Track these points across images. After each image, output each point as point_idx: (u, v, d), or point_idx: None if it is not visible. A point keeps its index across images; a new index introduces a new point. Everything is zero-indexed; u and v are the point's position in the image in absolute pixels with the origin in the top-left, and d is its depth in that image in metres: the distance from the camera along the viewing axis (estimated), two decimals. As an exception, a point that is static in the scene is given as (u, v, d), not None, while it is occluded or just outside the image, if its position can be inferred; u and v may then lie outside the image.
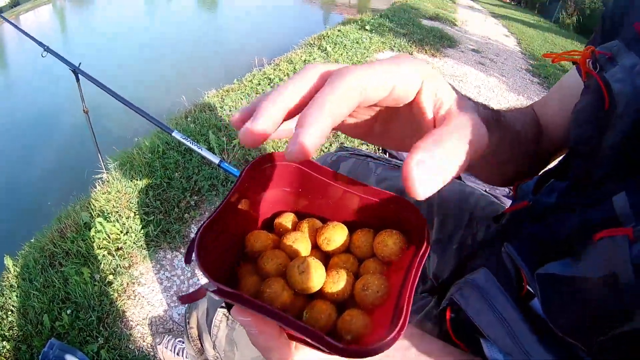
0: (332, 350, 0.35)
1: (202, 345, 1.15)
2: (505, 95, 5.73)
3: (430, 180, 0.32)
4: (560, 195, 0.70)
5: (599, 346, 0.49)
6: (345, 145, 3.24)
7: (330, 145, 3.40)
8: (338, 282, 0.46)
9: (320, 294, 0.47)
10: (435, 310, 0.85)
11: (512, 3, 24.17)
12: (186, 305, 1.21)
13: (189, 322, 1.18)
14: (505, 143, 0.68)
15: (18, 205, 4.00)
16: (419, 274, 0.41)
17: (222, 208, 0.44)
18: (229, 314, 0.52)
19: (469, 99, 0.53)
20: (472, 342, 0.70)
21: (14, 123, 5.30)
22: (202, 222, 0.41)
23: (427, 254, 0.43)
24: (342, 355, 0.35)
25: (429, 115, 0.39)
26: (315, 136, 0.32)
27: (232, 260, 0.50)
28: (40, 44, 2.63)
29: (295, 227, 0.54)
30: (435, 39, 7.43)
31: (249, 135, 0.35)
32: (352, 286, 0.47)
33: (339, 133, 3.41)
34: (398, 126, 0.48)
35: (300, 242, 0.50)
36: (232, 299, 0.36)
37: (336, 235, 0.50)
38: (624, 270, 0.43)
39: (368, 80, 0.34)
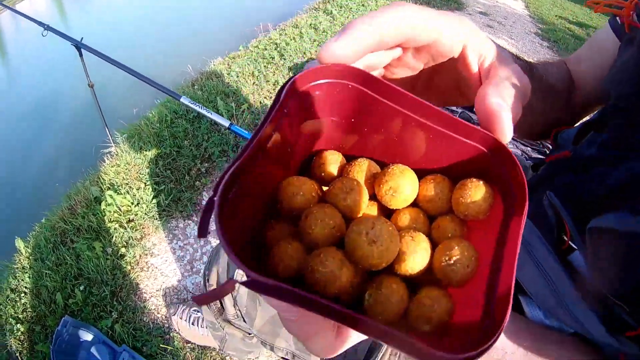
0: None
1: (221, 304, 1.12)
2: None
3: (511, 123, 0.33)
4: (601, 147, 0.64)
5: None
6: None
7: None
8: (415, 253, 0.34)
9: (389, 269, 0.34)
10: None
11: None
12: (206, 263, 1.17)
13: (208, 280, 1.13)
14: (538, 95, 0.66)
15: (27, 186, 3.99)
16: (518, 248, 0.30)
17: (250, 150, 0.30)
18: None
19: (507, 51, 0.46)
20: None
21: (19, 104, 5.28)
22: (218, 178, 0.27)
23: (522, 226, 0.32)
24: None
25: (474, 69, 0.39)
26: (354, 41, 0.33)
27: (260, 222, 0.37)
28: (40, 23, 2.59)
29: (344, 172, 0.40)
30: (443, 1, 7.32)
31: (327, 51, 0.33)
32: (431, 257, 0.35)
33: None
34: (441, 81, 0.45)
35: (357, 194, 0.36)
36: (276, 294, 0.26)
37: (405, 184, 0.36)
38: None
39: (419, 19, 0.34)
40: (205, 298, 0.28)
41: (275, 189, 0.37)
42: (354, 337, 0.36)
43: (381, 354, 0.78)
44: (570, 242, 0.58)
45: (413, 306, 0.33)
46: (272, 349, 0.94)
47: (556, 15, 9.31)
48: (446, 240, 0.35)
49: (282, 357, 0.94)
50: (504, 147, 0.33)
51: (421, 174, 0.38)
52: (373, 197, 0.39)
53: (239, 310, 1.00)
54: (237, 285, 0.72)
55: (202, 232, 0.28)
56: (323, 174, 0.39)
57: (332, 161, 0.40)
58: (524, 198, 0.32)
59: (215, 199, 0.27)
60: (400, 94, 0.34)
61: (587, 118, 0.75)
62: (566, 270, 0.58)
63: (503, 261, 0.30)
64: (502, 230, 0.33)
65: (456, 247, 0.33)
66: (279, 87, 2.03)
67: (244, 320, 1.01)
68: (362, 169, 0.38)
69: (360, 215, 0.36)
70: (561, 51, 6.43)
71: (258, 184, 0.34)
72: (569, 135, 0.74)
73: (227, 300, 1.05)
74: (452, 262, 0.33)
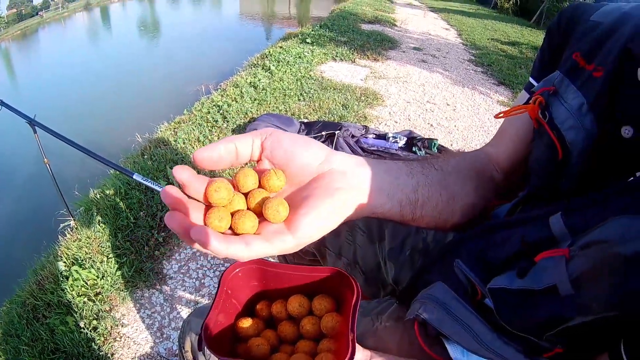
0: None
1: None
2: (450, 89, 5.92)
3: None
4: (511, 209, 0.84)
5: (550, 337, 0.59)
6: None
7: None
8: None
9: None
10: (399, 312, 0.93)
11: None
12: (178, 332, 1.33)
13: (183, 347, 1.26)
14: (432, 185, 0.77)
15: None
16: (355, 320, 0.60)
17: (213, 305, 0.64)
18: None
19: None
20: (440, 345, 0.79)
21: None
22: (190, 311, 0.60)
23: (357, 306, 0.62)
24: None
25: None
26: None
27: (229, 338, 0.70)
28: None
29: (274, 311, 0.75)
30: (376, 42, 7.62)
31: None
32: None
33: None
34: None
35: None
36: None
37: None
38: (562, 283, 0.53)
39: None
40: None
41: (234, 324, 0.71)
42: None
43: None
44: (482, 293, 0.71)
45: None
46: None
47: (488, 39, 9.58)
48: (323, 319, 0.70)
49: None
50: (340, 271, 0.68)
51: (304, 291, 0.73)
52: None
53: None
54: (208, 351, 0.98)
55: (200, 347, 0.59)
56: (264, 314, 0.75)
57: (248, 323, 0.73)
58: (353, 292, 0.64)
59: (201, 334, 0.60)
60: (278, 265, 0.72)
61: (519, 196, 0.85)
62: (483, 316, 0.70)
63: (350, 329, 0.59)
64: (348, 313, 0.63)
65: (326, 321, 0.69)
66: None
67: None
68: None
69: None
70: (495, 73, 6.64)
71: (223, 321, 0.68)
72: (503, 210, 0.87)
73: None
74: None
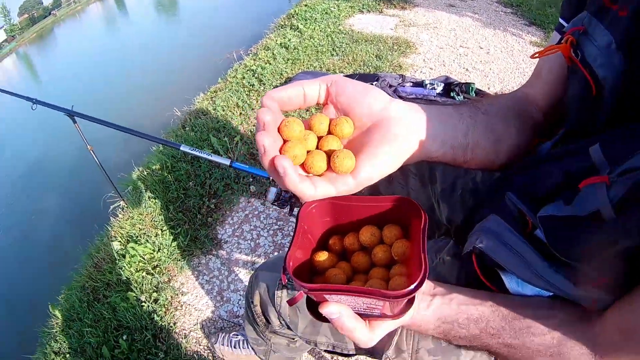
0: (393, 298, 0.54)
1: (266, 319, 1.29)
2: (482, 32, 5.71)
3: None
4: (554, 145, 0.84)
5: (597, 264, 0.59)
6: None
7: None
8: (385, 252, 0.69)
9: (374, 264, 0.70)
10: (455, 249, 0.98)
11: None
12: (246, 288, 1.37)
13: (252, 301, 1.29)
14: (484, 129, 0.80)
15: (45, 252, 4.07)
16: (425, 242, 0.60)
17: (293, 241, 0.64)
18: (311, 313, 0.67)
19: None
20: (495, 276, 0.80)
21: (24, 178, 5.35)
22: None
23: (426, 229, 0.62)
24: (398, 298, 0.54)
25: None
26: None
27: (307, 272, 0.69)
28: (27, 98, 2.60)
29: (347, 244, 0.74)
30: (402, -11, 7.42)
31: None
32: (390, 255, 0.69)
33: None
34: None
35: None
36: (322, 291, 0.57)
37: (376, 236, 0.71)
38: (605, 208, 0.54)
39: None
40: (294, 299, 0.65)
41: (311, 257, 0.71)
42: (382, 330, 0.68)
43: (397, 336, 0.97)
44: (532, 224, 0.73)
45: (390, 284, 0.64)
46: (315, 344, 1.12)
47: None
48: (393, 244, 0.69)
49: (325, 350, 1.11)
50: (407, 198, 0.67)
51: (379, 223, 0.72)
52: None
53: (284, 320, 1.17)
54: (279, 301, 0.97)
55: (285, 280, 0.65)
56: (337, 247, 0.74)
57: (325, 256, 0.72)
58: (420, 218, 0.63)
59: (285, 267, 0.60)
60: (350, 198, 0.68)
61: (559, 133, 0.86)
62: (534, 245, 0.72)
63: (421, 251, 0.58)
64: (418, 237, 0.62)
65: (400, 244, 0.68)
66: None
67: (289, 328, 1.18)
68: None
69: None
70: (525, 13, 6.44)
71: (301, 254, 0.68)
72: (545, 148, 0.88)
73: (272, 315, 1.21)
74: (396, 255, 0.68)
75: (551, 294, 0.72)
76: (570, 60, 0.75)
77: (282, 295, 1.14)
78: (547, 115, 0.95)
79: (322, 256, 0.71)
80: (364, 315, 0.65)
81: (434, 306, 0.75)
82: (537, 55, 0.85)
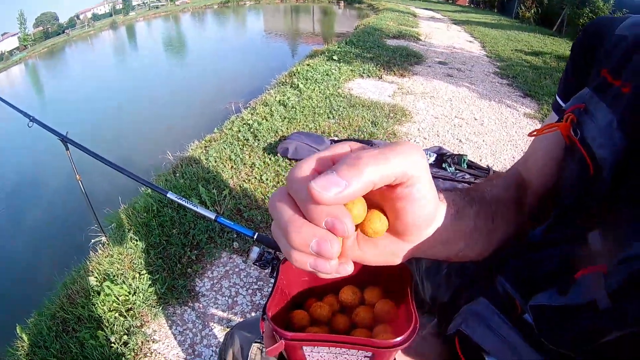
0: (385, 347, 0.53)
1: None
2: (477, 103, 5.89)
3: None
4: (543, 232, 0.80)
5: (586, 353, 0.58)
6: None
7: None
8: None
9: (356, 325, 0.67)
10: (438, 328, 0.95)
11: (471, 6, 24.57)
12: (220, 345, 1.36)
13: (225, 359, 1.27)
14: (482, 215, 0.73)
15: (21, 275, 4.05)
16: (412, 297, 0.60)
17: (273, 294, 0.63)
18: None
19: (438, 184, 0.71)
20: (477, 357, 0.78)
21: (10, 194, 5.35)
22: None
23: (412, 286, 0.62)
24: (390, 347, 0.53)
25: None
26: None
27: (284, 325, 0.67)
28: (25, 114, 2.61)
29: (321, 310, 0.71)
30: (402, 58, 7.64)
31: None
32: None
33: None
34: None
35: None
36: (304, 340, 0.54)
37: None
38: (601, 298, 0.53)
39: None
40: (275, 349, 0.55)
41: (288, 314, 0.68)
42: None
43: None
44: (522, 308, 0.70)
45: (373, 334, 0.63)
46: None
47: (512, 50, 9.57)
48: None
49: None
50: (402, 264, 0.62)
51: (362, 284, 0.71)
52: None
53: None
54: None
55: (272, 352, 0.57)
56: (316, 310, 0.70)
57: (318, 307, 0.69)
58: (408, 276, 0.64)
59: (265, 316, 0.59)
60: None
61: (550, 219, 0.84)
62: (522, 332, 0.69)
63: (408, 309, 0.59)
64: (401, 296, 0.64)
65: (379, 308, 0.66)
66: (255, 170, 2.34)
67: None
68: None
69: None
70: (521, 85, 6.60)
71: (277, 315, 0.64)
72: (536, 233, 0.84)
73: None
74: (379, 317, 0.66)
75: None
76: (568, 139, 0.72)
77: (256, 358, 1.12)
78: (541, 198, 0.90)
79: (300, 314, 0.68)
80: None
81: None
82: (535, 133, 0.82)
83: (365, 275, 0.69)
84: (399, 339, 0.52)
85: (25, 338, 2.47)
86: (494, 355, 0.71)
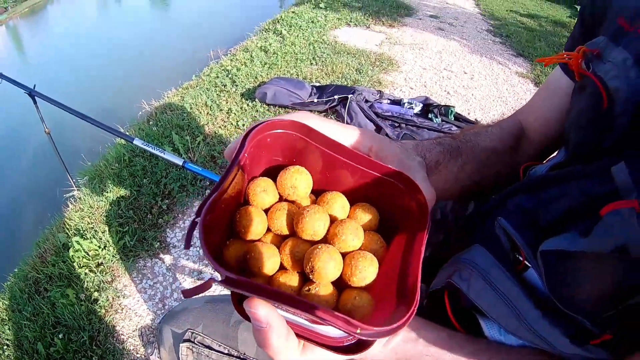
0: (349, 329, 0.37)
1: None
2: (468, 58, 5.75)
3: None
4: (554, 167, 0.73)
5: (606, 317, 0.50)
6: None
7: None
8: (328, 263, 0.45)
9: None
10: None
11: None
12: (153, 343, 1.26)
13: (160, 357, 1.20)
14: (468, 167, 0.76)
15: None
16: (422, 254, 0.43)
17: (222, 187, 0.42)
18: (237, 307, 0.47)
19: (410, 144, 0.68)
20: (468, 319, 0.69)
21: None
22: (201, 202, 0.38)
23: (426, 237, 0.45)
24: (355, 334, 0.37)
25: None
26: None
27: (222, 239, 0.49)
28: None
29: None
30: (392, 9, 7.43)
31: None
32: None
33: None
34: None
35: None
36: (243, 287, 0.37)
37: (328, 266, 0.45)
38: (634, 242, 0.44)
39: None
40: (194, 290, 0.38)
41: (233, 216, 0.48)
42: (317, 357, 0.48)
43: None
44: (525, 261, 0.62)
45: (341, 301, 0.45)
46: None
47: (507, 10, 9.38)
48: (351, 254, 0.47)
49: None
50: (410, 179, 0.47)
51: (349, 198, 0.52)
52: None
53: None
54: (185, 358, 0.85)
55: (188, 245, 0.40)
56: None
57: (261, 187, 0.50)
58: (425, 215, 0.46)
59: (198, 220, 0.38)
60: (332, 143, 0.48)
61: (555, 157, 0.80)
62: (523, 289, 0.60)
63: (410, 265, 0.42)
64: (409, 243, 0.45)
65: (359, 259, 0.45)
66: (232, 115, 2.20)
67: None
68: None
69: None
70: (514, 44, 6.50)
71: (227, 211, 0.46)
72: (536, 172, 0.79)
73: None
74: (357, 272, 0.45)
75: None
76: (579, 75, 0.69)
77: (188, 353, 1.02)
78: (539, 146, 0.90)
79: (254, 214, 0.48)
80: (299, 328, 0.47)
81: (395, 343, 0.60)
82: (542, 61, 0.78)
83: (367, 193, 0.52)
84: (393, 326, 0.37)
85: (0, 303, 2.39)
86: (491, 316, 0.63)
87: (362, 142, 0.56)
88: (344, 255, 0.46)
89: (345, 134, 0.55)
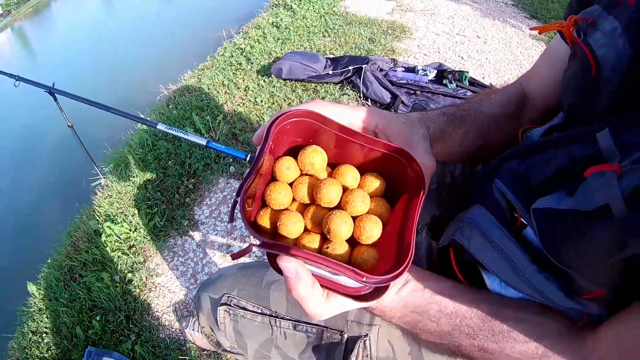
0: (356, 278, 0.46)
1: (217, 339, 1.25)
2: (481, 22, 5.63)
3: None
4: (551, 129, 0.78)
5: (595, 273, 0.53)
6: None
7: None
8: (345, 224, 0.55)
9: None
10: (428, 241, 0.91)
11: None
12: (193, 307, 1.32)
13: (200, 324, 1.27)
14: (472, 134, 0.81)
15: (27, 231, 4.04)
16: (417, 216, 0.52)
17: (255, 170, 0.51)
18: (272, 264, 0.55)
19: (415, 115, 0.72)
20: (474, 275, 0.74)
21: (4, 156, 5.31)
22: (240, 184, 0.49)
23: (422, 201, 0.53)
24: (362, 282, 0.47)
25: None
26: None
27: (258, 209, 0.59)
28: (10, 75, 2.58)
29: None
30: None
31: None
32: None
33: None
34: None
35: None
36: (275, 248, 0.48)
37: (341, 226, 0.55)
38: (615, 202, 0.47)
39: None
40: (240, 253, 0.50)
41: (264, 191, 0.58)
42: (338, 306, 0.58)
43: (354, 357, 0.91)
44: (522, 219, 0.66)
45: (353, 257, 0.55)
46: None
47: None
48: (360, 217, 0.56)
49: None
50: (408, 154, 0.56)
51: (359, 169, 0.60)
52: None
53: (232, 344, 1.13)
54: (223, 327, 0.89)
55: (231, 219, 0.49)
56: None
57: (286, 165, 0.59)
58: (422, 183, 0.55)
59: (238, 199, 0.48)
60: (342, 127, 0.57)
61: (553, 120, 0.82)
62: (521, 245, 0.65)
63: (407, 226, 0.51)
64: (407, 207, 0.55)
65: (366, 221, 0.55)
66: (249, 93, 2.22)
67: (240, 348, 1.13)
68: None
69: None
70: (527, 7, 6.39)
71: (257, 188, 0.56)
72: (533, 135, 0.83)
73: (220, 337, 1.17)
74: (365, 232, 0.54)
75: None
76: (572, 43, 0.72)
77: (225, 321, 1.10)
78: (542, 111, 0.93)
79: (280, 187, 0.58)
80: (324, 280, 0.58)
81: (405, 292, 0.69)
82: (536, 28, 0.81)
83: (374, 165, 0.61)
84: (389, 275, 0.47)
85: (36, 293, 2.46)
86: (491, 270, 0.67)
87: (370, 121, 0.66)
88: (354, 218, 0.56)
89: (354, 115, 0.65)
